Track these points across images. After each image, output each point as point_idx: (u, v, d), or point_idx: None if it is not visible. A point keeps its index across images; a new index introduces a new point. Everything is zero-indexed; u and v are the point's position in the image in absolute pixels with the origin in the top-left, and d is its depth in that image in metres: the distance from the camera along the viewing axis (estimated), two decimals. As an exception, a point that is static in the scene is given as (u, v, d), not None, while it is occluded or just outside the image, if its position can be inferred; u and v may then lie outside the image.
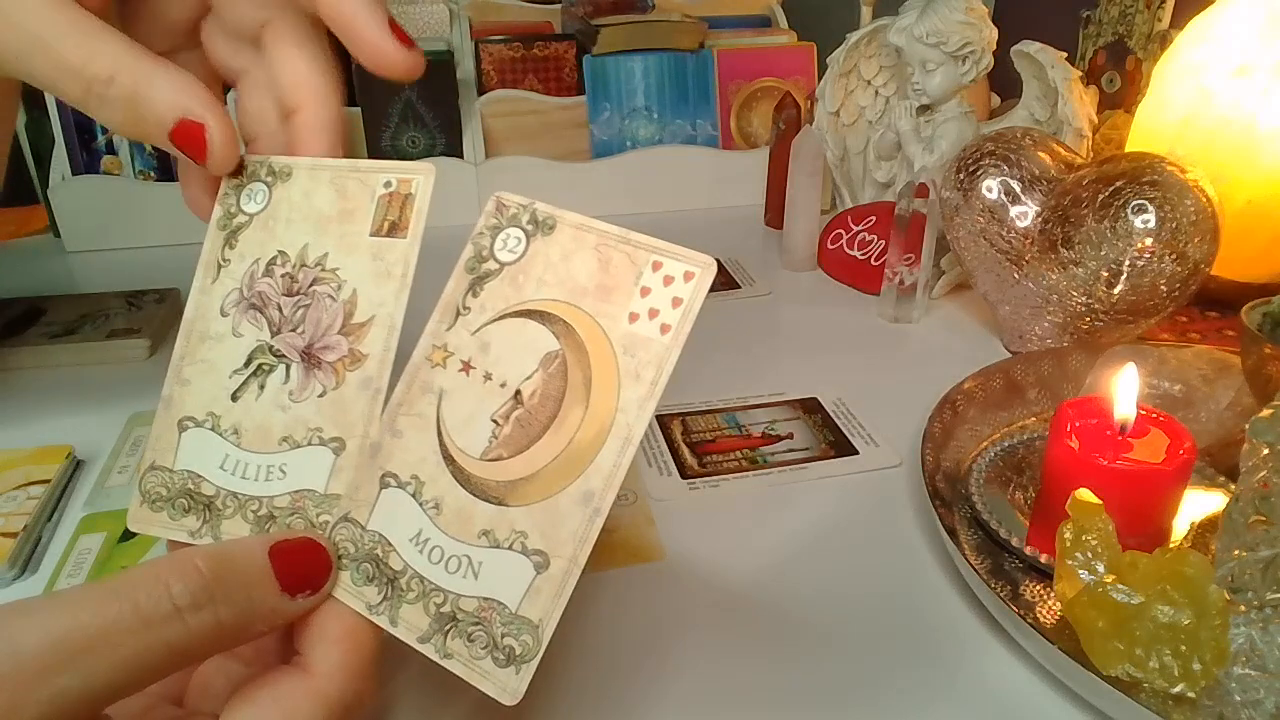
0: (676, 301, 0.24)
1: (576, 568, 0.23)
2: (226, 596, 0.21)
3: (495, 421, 0.25)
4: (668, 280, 0.24)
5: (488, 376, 0.25)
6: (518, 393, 0.25)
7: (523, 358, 0.25)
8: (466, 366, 0.25)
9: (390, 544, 0.25)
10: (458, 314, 0.26)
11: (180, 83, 0.26)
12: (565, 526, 0.23)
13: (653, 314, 0.24)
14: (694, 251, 0.24)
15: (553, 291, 0.25)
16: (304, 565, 0.24)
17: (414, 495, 0.25)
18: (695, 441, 0.48)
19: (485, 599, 0.23)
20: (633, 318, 0.24)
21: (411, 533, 0.25)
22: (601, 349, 0.24)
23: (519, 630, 0.23)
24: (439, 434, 0.25)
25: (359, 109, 0.78)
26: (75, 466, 0.46)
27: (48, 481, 0.43)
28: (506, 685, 0.23)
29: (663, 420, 0.50)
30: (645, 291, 0.24)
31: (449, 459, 0.25)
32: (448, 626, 0.24)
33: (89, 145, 0.75)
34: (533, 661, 0.23)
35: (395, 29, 0.28)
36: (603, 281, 0.24)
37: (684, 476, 0.46)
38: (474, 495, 0.24)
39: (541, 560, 0.23)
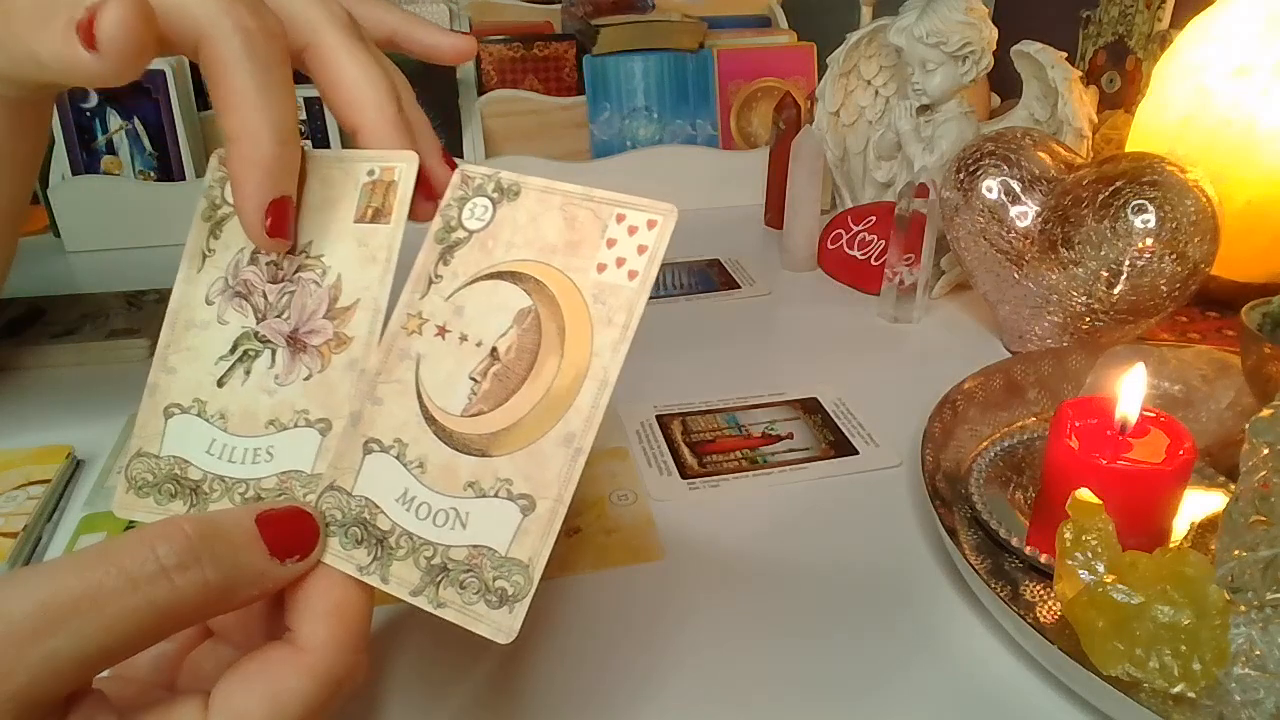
0: (642, 249, 0.25)
1: (562, 506, 0.23)
2: (213, 558, 0.21)
3: (474, 379, 0.25)
4: (632, 230, 0.25)
5: (463, 338, 0.26)
6: (494, 350, 0.25)
7: (497, 316, 0.26)
8: (442, 330, 0.26)
9: (377, 506, 0.25)
10: (430, 282, 0.27)
11: None
12: (549, 469, 0.24)
13: (620, 262, 0.25)
14: (655, 201, 0.25)
15: (521, 252, 0.26)
16: (291, 531, 0.24)
17: (398, 457, 0.25)
18: (695, 441, 0.48)
19: (475, 546, 0.24)
20: (601, 268, 0.25)
21: (397, 493, 0.25)
22: (573, 300, 0.25)
23: (510, 571, 0.23)
24: (419, 397, 0.26)
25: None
26: (75, 466, 0.46)
27: (48, 481, 0.43)
28: (501, 625, 0.23)
29: (663, 420, 0.50)
30: (611, 243, 0.25)
31: (430, 419, 0.25)
32: (439, 577, 0.24)
33: (89, 145, 0.75)
34: (525, 600, 0.23)
35: (277, 210, 0.27)
36: (570, 238, 0.25)
37: (684, 476, 0.46)
38: (457, 450, 0.25)
39: (528, 503, 0.24)
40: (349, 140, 0.29)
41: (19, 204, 0.35)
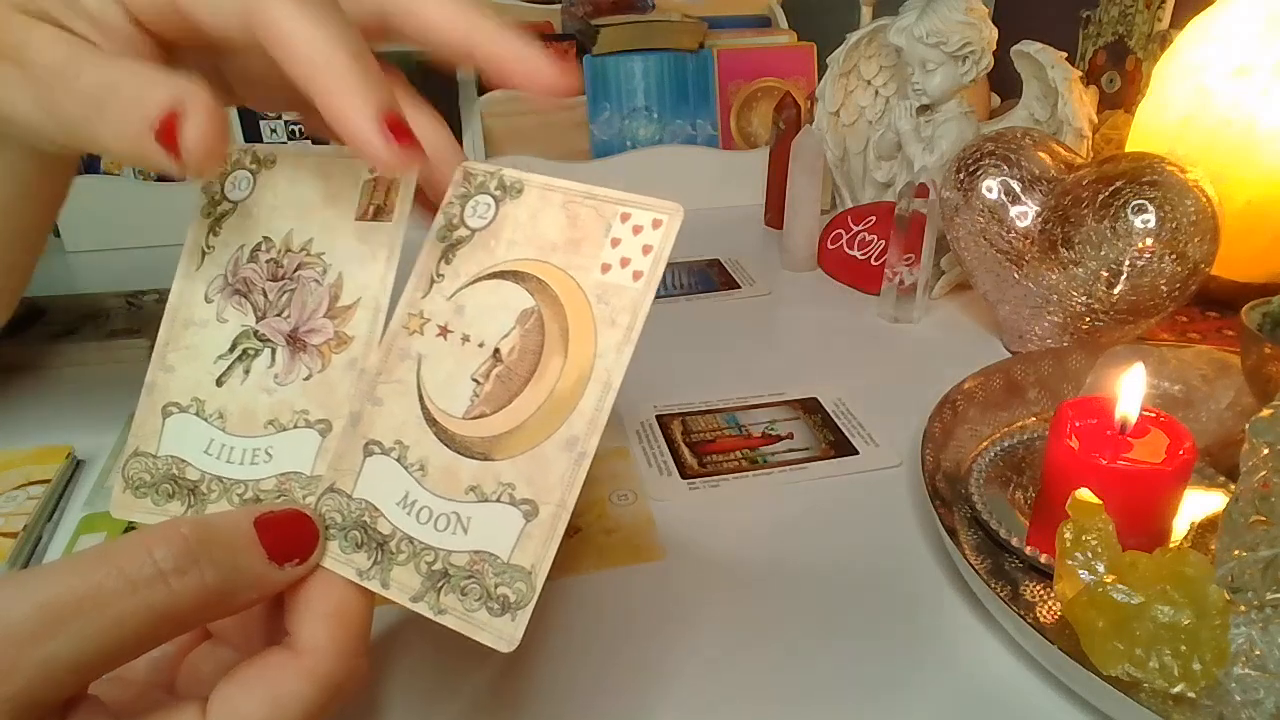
0: (647, 249, 0.24)
1: (566, 511, 0.23)
2: (211, 561, 0.21)
3: (476, 380, 0.25)
4: (637, 229, 0.24)
5: (465, 338, 0.25)
6: (496, 350, 0.25)
7: (499, 317, 0.25)
8: (444, 330, 0.26)
9: (377, 509, 0.25)
10: (432, 282, 0.26)
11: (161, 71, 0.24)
12: (552, 473, 0.23)
13: (624, 262, 0.24)
14: (660, 200, 0.24)
15: (524, 251, 0.25)
16: (290, 534, 0.24)
17: (399, 460, 0.25)
18: (695, 441, 0.48)
19: (476, 552, 0.24)
20: (604, 268, 0.24)
21: (398, 496, 0.25)
22: (576, 300, 0.24)
23: (512, 578, 0.23)
24: (420, 398, 0.25)
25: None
26: (75, 466, 0.46)
27: (48, 481, 0.43)
28: (503, 633, 0.23)
29: (663, 420, 0.50)
30: (615, 242, 0.24)
31: (432, 421, 0.25)
32: (440, 583, 0.24)
33: (89, 145, 0.75)
34: (528, 608, 0.23)
35: (392, 123, 0.24)
36: (571, 236, 0.25)
37: (684, 476, 0.46)
38: (459, 453, 0.24)
39: (530, 509, 0.23)
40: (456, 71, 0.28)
41: (40, 239, 0.35)
